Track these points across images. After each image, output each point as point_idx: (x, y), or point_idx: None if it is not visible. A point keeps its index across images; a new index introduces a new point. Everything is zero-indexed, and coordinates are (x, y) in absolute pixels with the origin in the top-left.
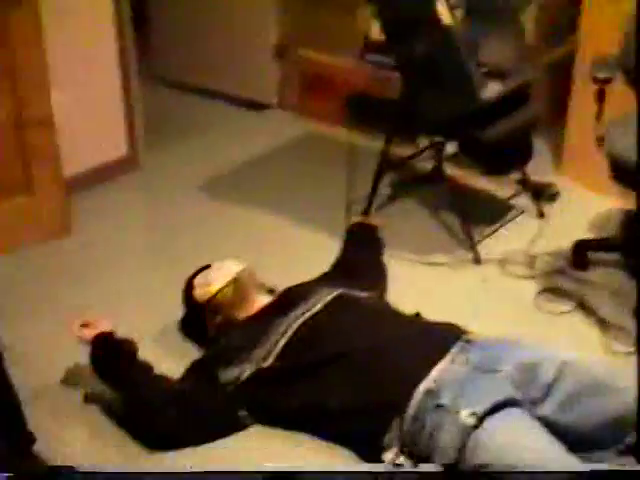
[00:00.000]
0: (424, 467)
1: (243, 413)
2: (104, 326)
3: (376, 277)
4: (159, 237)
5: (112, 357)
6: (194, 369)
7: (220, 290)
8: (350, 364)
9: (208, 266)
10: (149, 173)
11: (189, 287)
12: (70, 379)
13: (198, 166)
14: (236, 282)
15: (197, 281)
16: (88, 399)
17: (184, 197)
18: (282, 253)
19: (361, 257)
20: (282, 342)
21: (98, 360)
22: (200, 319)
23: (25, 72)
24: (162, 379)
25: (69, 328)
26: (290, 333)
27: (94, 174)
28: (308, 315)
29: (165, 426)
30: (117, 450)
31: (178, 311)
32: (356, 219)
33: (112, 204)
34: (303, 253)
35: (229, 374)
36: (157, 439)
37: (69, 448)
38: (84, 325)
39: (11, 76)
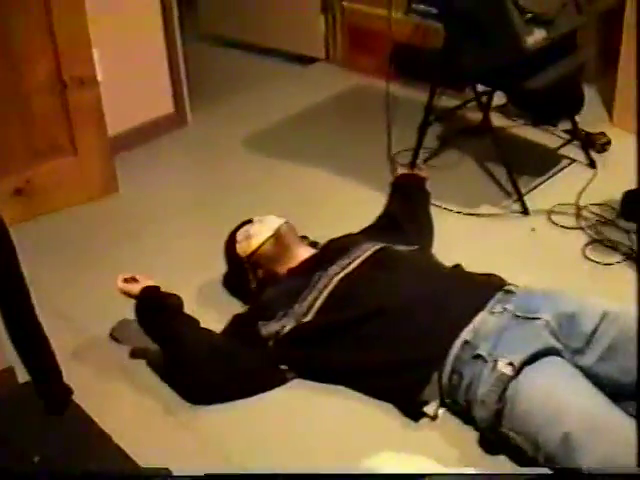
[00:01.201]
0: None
1: (284, 367)
2: (149, 282)
3: (421, 230)
4: (205, 194)
5: (158, 310)
6: (236, 323)
7: (261, 244)
8: (388, 319)
9: (249, 221)
10: (196, 130)
11: (231, 242)
12: (117, 334)
13: (245, 122)
14: (277, 236)
15: (239, 236)
16: (134, 354)
17: (231, 154)
18: (328, 208)
19: (406, 210)
20: (322, 298)
21: (144, 313)
22: (242, 273)
23: (65, 31)
24: (208, 333)
25: (114, 283)
26: (330, 288)
27: (140, 132)
28: (348, 270)
29: (210, 378)
30: (162, 406)
31: (222, 267)
32: (402, 171)
33: (159, 162)
34: (348, 208)
35: (270, 329)
36: (201, 392)
37: (113, 403)
38: (129, 280)
39: (51, 36)
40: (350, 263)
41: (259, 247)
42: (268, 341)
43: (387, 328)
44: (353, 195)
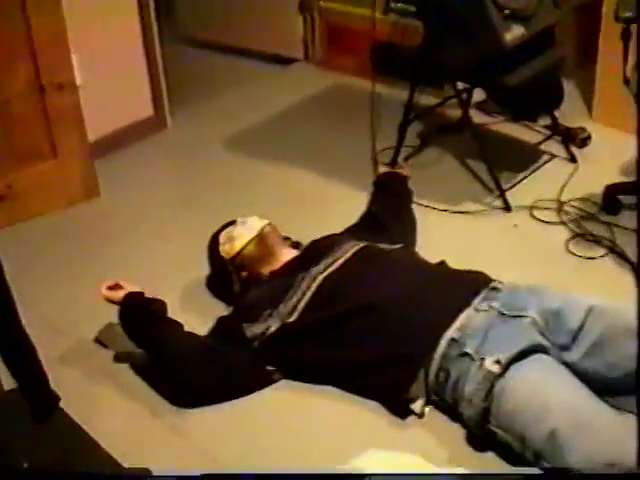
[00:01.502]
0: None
1: (271, 368)
2: (132, 288)
3: (405, 228)
4: (187, 196)
5: (141, 316)
6: (220, 325)
7: (244, 246)
8: (374, 316)
9: (232, 222)
10: (176, 133)
11: (214, 244)
12: (102, 338)
13: (225, 123)
14: (260, 237)
15: (221, 238)
16: (119, 358)
17: (212, 155)
18: (311, 207)
19: (389, 208)
20: (306, 298)
21: (128, 319)
22: (225, 275)
23: (43, 36)
24: (192, 336)
25: (98, 290)
26: (314, 288)
27: (120, 136)
28: (331, 269)
29: (195, 382)
30: (149, 410)
31: (206, 269)
32: (383, 170)
33: (140, 166)
34: (332, 207)
35: (255, 330)
36: (187, 395)
37: (98, 407)
38: (112, 287)
39: (29, 41)
40: (333, 262)
41: (242, 249)
42: (253, 342)
43: (372, 325)
44: (336, 194)
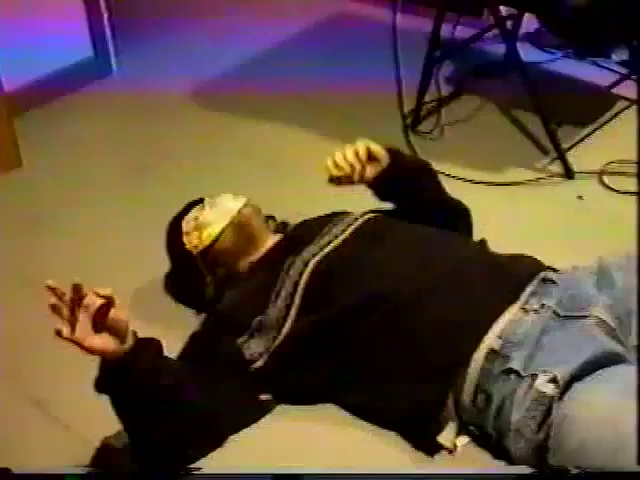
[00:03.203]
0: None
1: (266, 396)
2: (119, 324)
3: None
4: (139, 165)
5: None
6: (195, 348)
7: (217, 236)
8: (384, 316)
9: (199, 202)
10: (124, 80)
11: (175, 232)
12: None
13: (190, 68)
14: (237, 223)
15: (186, 225)
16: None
17: (172, 111)
18: (305, 180)
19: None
20: (299, 292)
21: (114, 400)
22: (193, 274)
23: None
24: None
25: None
26: (306, 277)
27: (48, 85)
28: (328, 249)
29: (194, 453)
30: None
31: (164, 265)
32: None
33: (74, 124)
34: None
35: (254, 348)
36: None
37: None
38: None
39: None
40: (330, 241)
41: (214, 241)
42: (251, 365)
43: (383, 330)
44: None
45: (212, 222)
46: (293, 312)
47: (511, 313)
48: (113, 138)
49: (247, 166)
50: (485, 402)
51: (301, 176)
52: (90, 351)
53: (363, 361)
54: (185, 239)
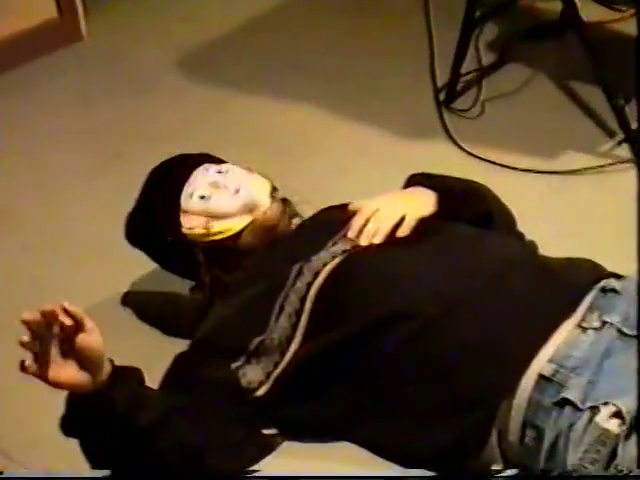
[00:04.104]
0: None
1: (270, 431)
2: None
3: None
4: (111, 146)
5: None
6: (180, 373)
7: (234, 235)
8: (412, 333)
9: (199, 162)
10: (96, 46)
11: (168, 205)
12: None
13: (174, 31)
14: (261, 222)
15: (188, 201)
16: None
17: (154, 80)
18: (313, 163)
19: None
20: (307, 308)
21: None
22: (186, 270)
23: None
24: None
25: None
26: (315, 290)
27: (5, 51)
28: (342, 257)
29: None
30: None
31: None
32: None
33: (36, 97)
34: (346, 160)
35: (252, 376)
36: None
37: None
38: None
39: None
40: (345, 249)
41: (228, 238)
42: (249, 395)
43: (408, 349)
44: (355, 140)
45: (230, 213)
46: (299, 332)
47: (566, 331)
48: (83, 118)
49: (243, 149)
50: (535, 440)
51: (310, 160)
52: (56, 385)
53: (384, 390)
54: (184, 220)
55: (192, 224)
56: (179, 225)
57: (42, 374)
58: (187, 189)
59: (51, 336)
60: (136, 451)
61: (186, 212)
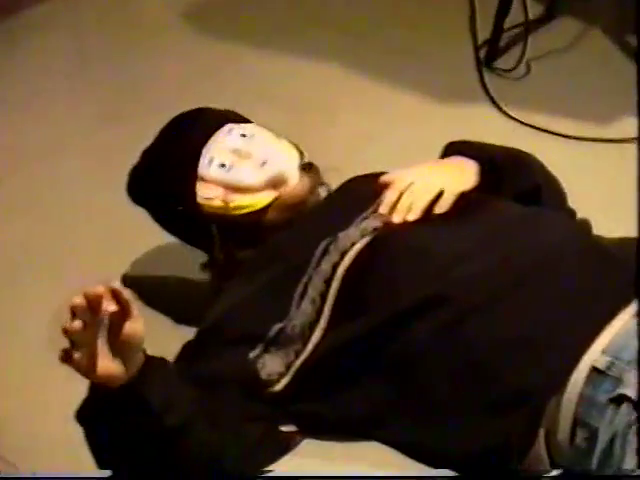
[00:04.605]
0: None
1: (289, 428)
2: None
3: None
4: (108, 108)
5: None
6: (190, 364)
7: (257, 211)
8: (449, 322)
9: (222, 123)
10: None
11: (184, 171)
12: None
13: None
14: (288, 198)
15: (207, 169)
16: None
17: (154, 34)
18: (338, 127)
19: None
20: (332, 291)
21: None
22: (204, 243)
23: None
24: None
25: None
26: (341, 274)
27: None
28: (372, 236)
29: None
30: None
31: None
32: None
33: (23, 51)
34: (377, 126)
35: (272, 367)
36: None
37: None
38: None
39: None
40: (376, 227)
41: (250, 214)
42: (268, 388)
43: (445, 339)
44: (386, 104)
45: (253, 188)
46: (323, 319)
47: (622, 320)
48: (78, 75)
49: (261, 112)
50: (587, 440)
51: (334, 125)
52: (96, 378)
53: (419, 384)
54: (200, 188)
55: (209, 194)
56: (194, 194)
57: (89, 366)
58: (206, 153)
59: (94, 323)
60: (154, 451)
61: (203, 180)
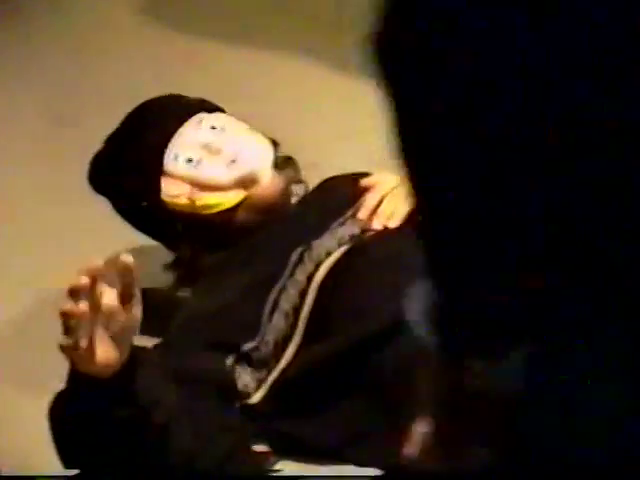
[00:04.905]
0: None
1: (261, 448)
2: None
3: None
4: (59, 111)
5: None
6: (169, 359)
7: (225, 210)
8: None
9: (189, 113)
10: None
11: (149, 165)
12: None
13: None
14: (259, 197)
15: (174, 163)
16: None
17: (106, 23)
18: (319, 122)
19: None
20: (305, 308)
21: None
22: (170, 241)
23: None
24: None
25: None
26: (316, 286)
27: None
28: (350, 244)
29: None
30: None
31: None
32: None
33: None
34: (347, 122)
35: (246, 378)
36: None
37: None
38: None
39: None
40: (354, 234)
41: (218, 214)
42: (242, 400)
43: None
44: (366, 99)
45: (222, 186)
46: (298, 334)
47: None
48: (28, 70)
49: (232, 107)
50: None
51: (309, 120)
52: (93, 366)
53: (399, 406)
54: (165, 184)
55: (175, 191)
56: (158, 190)
57: (89, 353)
58: (173, 147)
59: (96, 306)
60: (134, 446)
61: (169, 175)
